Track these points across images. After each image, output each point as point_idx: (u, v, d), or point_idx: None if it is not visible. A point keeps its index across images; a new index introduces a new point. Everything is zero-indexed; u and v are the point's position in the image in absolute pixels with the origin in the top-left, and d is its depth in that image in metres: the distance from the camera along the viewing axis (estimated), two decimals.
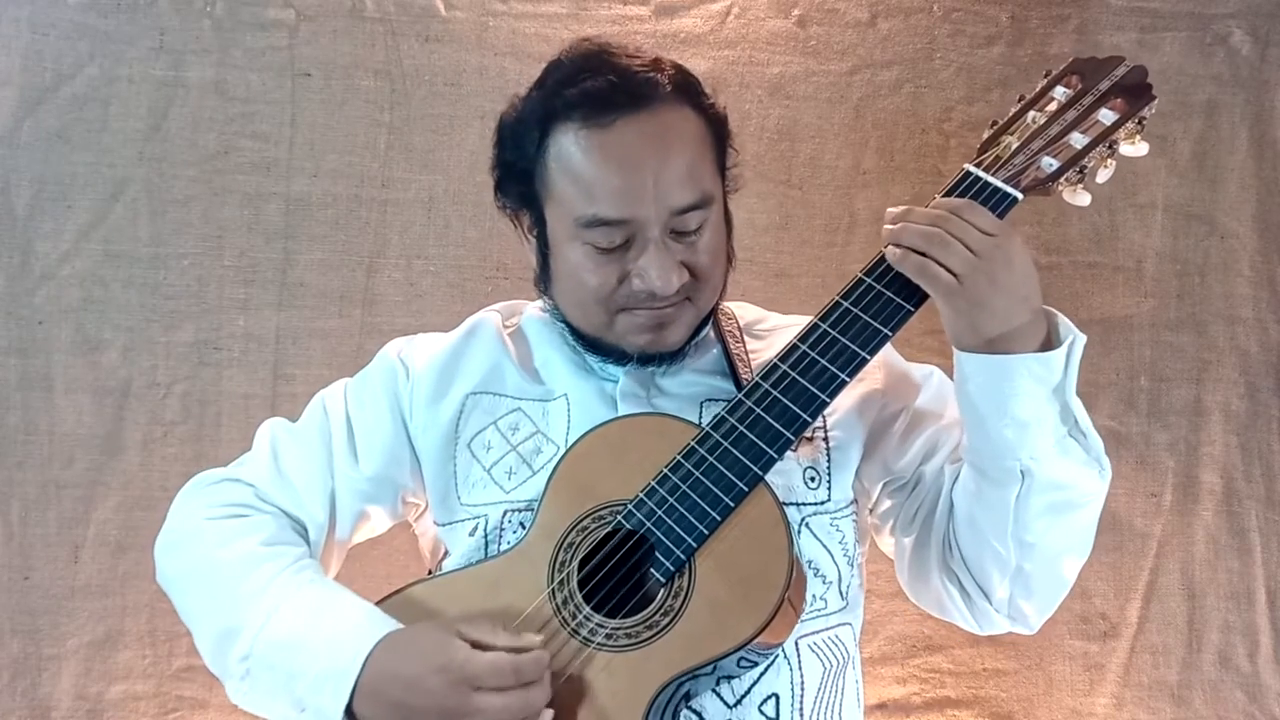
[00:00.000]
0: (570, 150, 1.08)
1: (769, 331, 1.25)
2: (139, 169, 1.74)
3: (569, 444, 1.10)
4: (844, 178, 1.81)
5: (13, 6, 1.71)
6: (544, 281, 1.17)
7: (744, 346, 1.21)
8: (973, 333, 0.98)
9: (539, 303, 1.25)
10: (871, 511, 1.22)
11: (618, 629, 1.01)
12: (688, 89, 1.11)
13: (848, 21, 1.82)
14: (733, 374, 1.17)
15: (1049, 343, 1.00)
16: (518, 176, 1.14)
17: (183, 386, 1.74)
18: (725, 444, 1.02)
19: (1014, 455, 1.00)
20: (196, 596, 1.13)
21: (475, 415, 1.18)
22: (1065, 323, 1.01)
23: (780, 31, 1.81)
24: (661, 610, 1.00)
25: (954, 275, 0.96)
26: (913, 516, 1.17)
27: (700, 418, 1.13)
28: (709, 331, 1.21)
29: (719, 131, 1.15)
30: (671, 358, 1.16)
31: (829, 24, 1.82)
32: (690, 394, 1.17)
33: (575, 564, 1.03)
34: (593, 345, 1.17)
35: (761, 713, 1.06)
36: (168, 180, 1.74)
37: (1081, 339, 1.00)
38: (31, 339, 1.72)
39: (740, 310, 1.27)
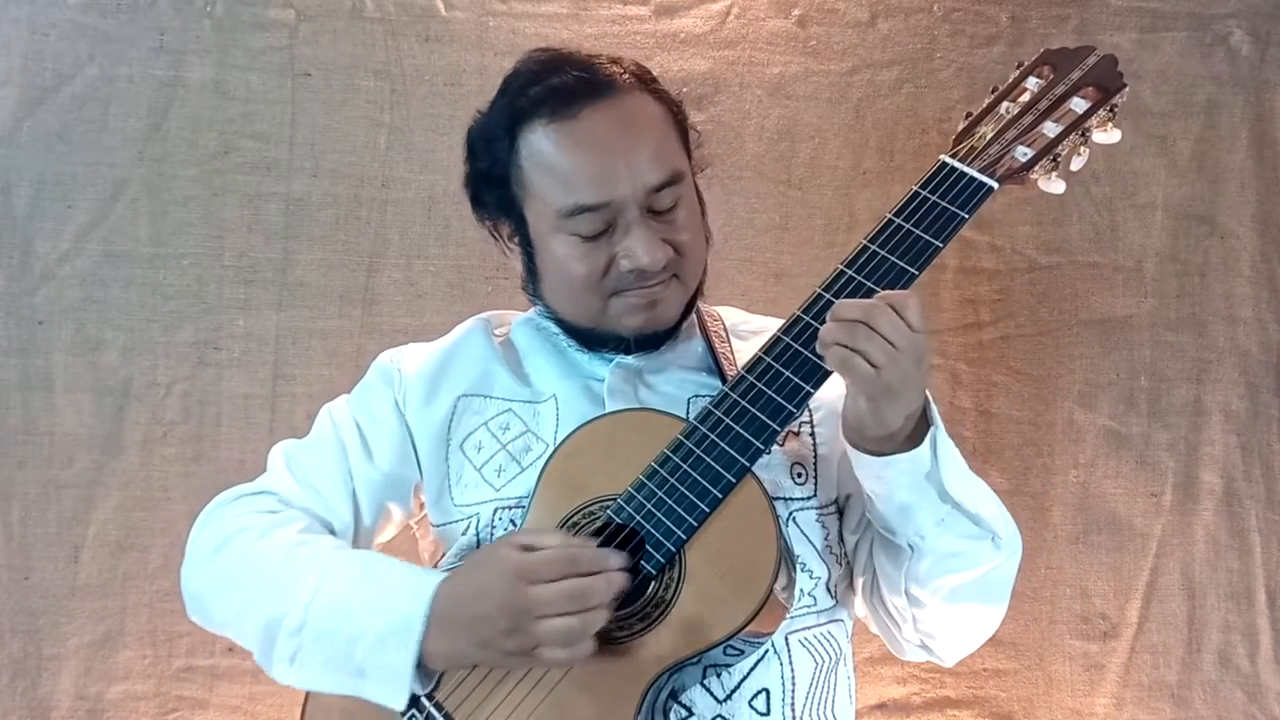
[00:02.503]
0: (542, 145, 1.10)
1: (753, 333, 1.26)
2: (139, 169, 1.74)
3: (557, 442, 1.11)
4: (844, 178, 1.81)
5: (13, 6, 1.71)
6: (532, 283, 1.19)
7: (729, 346, 1.22)
8: (876, 423, 1.00)
9: (530, 312, 1.27)
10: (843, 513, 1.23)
11: (610, 622, 1.01)
12: (644, 79, 1.16)
13: (848, 21, 1.82)
14: (719, 372, 1.18)
15: (923, 423, 1.03)
16: (493, 183, 1.16)
17: (183, 386, 1.74)
18: (712, 437, 1.03)
19: (901, 533, 1.05)
20: (239, 591, 1.11)
21: (466, 417, 1.19)
22: (931, 406, 1.03)
23: (780, 31, 1.81)
24: (653, 602, 1.01)
25: (874, 367, 0.97)
26: (855, 546, 1.20)
27: (688, 414, 1.15)
28: (695, 328, 1.23)
29: (679, 116, 1.18)
30: (664, 339, 1.18)
31: (829, 24, 1.82)
32: (678, 391, 1.18)
33: None
34: (587, 338, 1.18)
35: (752, 708, 1.07)
36: (168, 180, 1.74)
37: (941, 430, 1.03)
38: (31, 339, 1.72)
39: (725, 313, 1.29)
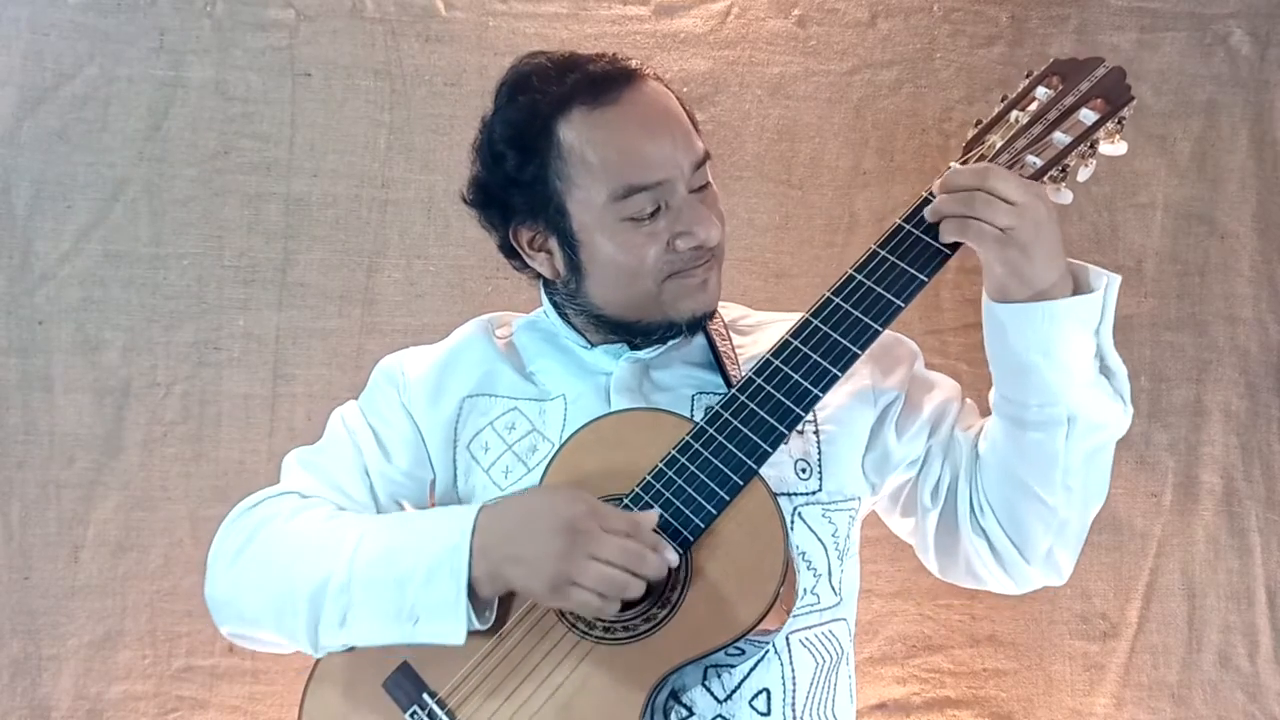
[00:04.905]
0: (584, 135, 1.10)
1: (753, 327, 1.27)
2: (139, 169, 1.74)
3: (563, 440, 1.11)
4: (844, 178, 1.81)
5: (13, 6, 1.71)
6: (573, 281, 1.16)
7: (730, 343, 1.22)
8: (1021, 284, 1.01)
9: (534, 313, 1.27)
10: (875, 500, 1.23)
11: (615, 623, 1.02)
12: (653, 71, 1.18)
13: (848, 21, 1.82)
14: (720, 369, 1.18)
15: (1078, 289, 1.04)
16: (525, 185, 1.13)
17: (183, 386, 1.74)
18: (720, 438, 1.04)
19: (1060, 399, 1.04)
20: (276, 574, 1.10)
21: (472, 418, 1.19)
22: (1095, 269, 1.05)
23: (780, 31, 1.81)
24: (659, 603, 1.01)
25: (1000, 229, 0.97)
26: (934, 489, 1.18)
27: (692, 411, 1.15)
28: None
29: (685, 104, 1.19)
30: (708, 320, 1.19)
31: (829, 24, 1.82)
32: (683, 388, 1.18)
33: None
34: (630, 329, 1.17)
35: (753, 708, 1.07)
36: (168, 180, 1.74)
37: (1117, 279, 1.05)
38: (31, 339, 1.72)
39: (724, 308, 1.29)
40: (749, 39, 1.81)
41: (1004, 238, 0.98)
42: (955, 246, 1.03)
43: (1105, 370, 1.06)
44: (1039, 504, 1.10)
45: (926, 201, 1.04)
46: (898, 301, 1.02)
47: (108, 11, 1.73)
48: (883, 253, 1.04)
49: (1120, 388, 1.07)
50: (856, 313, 1.03)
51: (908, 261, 1.02)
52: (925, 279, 1.02)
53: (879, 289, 1.03)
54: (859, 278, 1.04)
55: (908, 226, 1.04)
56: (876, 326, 1.02)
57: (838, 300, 1.04)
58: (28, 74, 1.72)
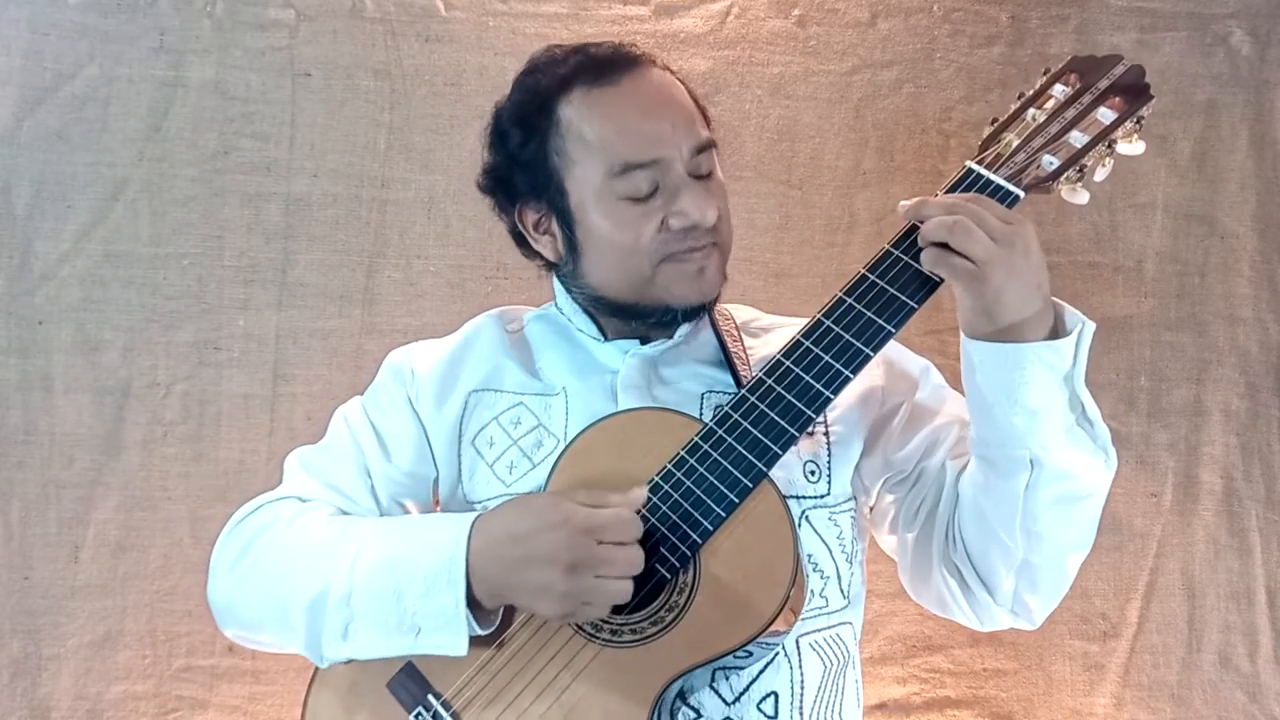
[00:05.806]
0: (584, 114, 1.11)
1: (764, 330, 1.26)
2: (139, 169, 1.74)
3: (570, 438, 1.10)
4: (844, 178, 1.81)
5: (13, 6, 1.71)
6: (571, 261, 1.17)
7: (741, 345, 1.22)
8: (988, 320, 0.98)
9: (545, 306, 1.27)
10: (872, 509, 1.22)
11: (623, 625, 1.01)
12: (663, 63, 1.19)
13: (848, 21, 1.82)
14: (731, 368, 1.18)
15: (1056, 331, 1.01)
16: (527, 164, 1.15)
17: (183, 386, 1.74)
18: (729, 439, 1.02)
19: (1023, 444, 1.01)
20: (275, 579, 1.10)
21: (478, 412, 1.19)
22: (1072, 311, 1.02)
23: (780, 31, 1.81)
24: (666, 606, 1.01)
25: (974, 263, 0.95)
26: (915, 512, 1.17)
27: (701, 410, 1.14)
28: (707, 321, 1.22)
29: (695, 97, 1.19)
30: (705, 310, 1.18)
31: (829, 24, 1.82)
32: (691, 385, 1.17)
33: None
34: (628, 313, 1.17)
35: (760, 710, 1.07)
36: (168, 180, 1.74)
37: (1091, 326, 1.01)
38: (31, 339, 1.72)
39: (735, 310, 1.29)
40: (749, 39, 1.81)
41: (975, 273, 0.96)
42: None
43: (1085, 420, 1.03)
44: (999, 544, 1.08)
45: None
46: (911, 302, 1.01)
47: (108, 11, 1.73)
48: (896, 252, 1.03)
49: (1102, 440, 1.04)
50: (869, 314, 1.01)
51: (920, 261, 1.01)
52: (938, 280, 1.01)
53: (892, 289, 1.01)
54: (872, 278, 1.03)
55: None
56: (889, 328, 1.01)
57: (850, 301, 1.03)
58: (28, 74, 1.72)
